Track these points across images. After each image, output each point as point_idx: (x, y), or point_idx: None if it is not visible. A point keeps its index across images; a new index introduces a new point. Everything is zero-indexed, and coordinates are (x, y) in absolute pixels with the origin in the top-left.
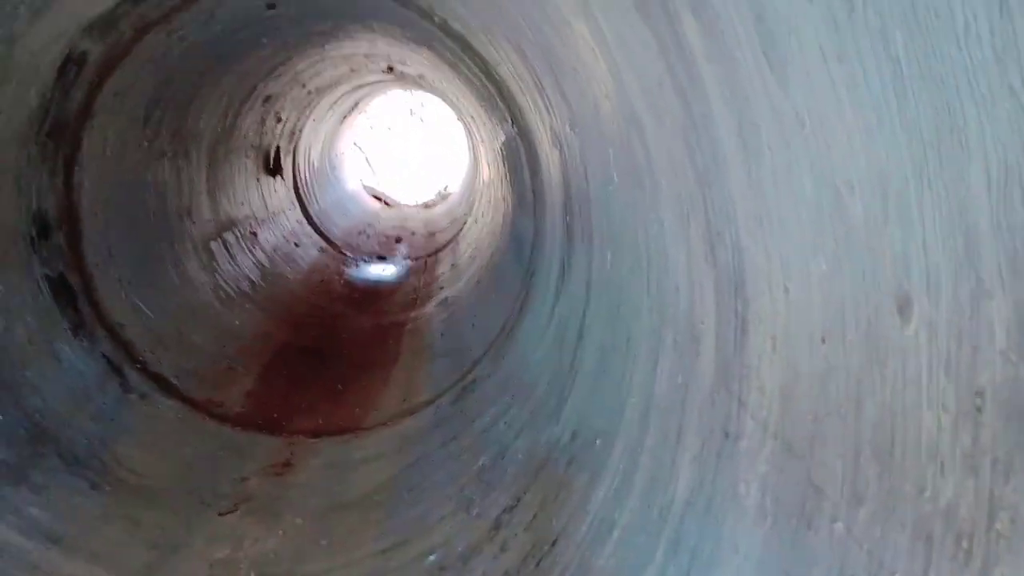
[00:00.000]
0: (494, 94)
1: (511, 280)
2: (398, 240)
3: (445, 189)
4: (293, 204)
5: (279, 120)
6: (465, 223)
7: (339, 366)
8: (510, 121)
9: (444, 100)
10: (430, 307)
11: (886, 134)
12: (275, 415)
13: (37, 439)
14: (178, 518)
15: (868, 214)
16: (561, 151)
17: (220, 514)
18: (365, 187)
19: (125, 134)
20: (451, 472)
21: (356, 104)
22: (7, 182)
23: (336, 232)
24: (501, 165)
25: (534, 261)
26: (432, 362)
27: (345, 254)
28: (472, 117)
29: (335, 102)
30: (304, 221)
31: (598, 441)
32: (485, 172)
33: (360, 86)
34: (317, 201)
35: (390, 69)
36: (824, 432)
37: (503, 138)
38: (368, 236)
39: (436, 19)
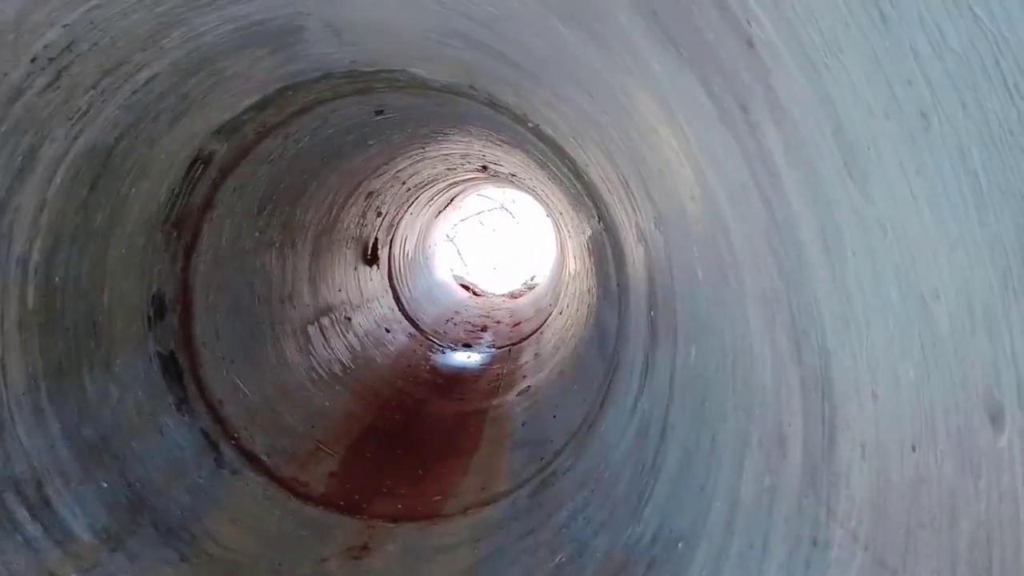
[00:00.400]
0: (582, 192)
1: (594, 372)
2: (483, 329)
3: (531, 280)
4: (387, 291)
5: (379, 214)
6: (550, 314)
7: (421, 451)
8: (597, 217)
9: (534, 196)
10: (512, 396)
11: (969, 245)
12: (356, 497)
13: (136, 508)
14: None
15: (955, 323)
16: (646, 247)
17: None
18: (454, 276)
19: (239, 225)
20: (527, 567)
21: (451, 200)
22: (133, 266)
23: (425, 319)
24: (587, 258)
25: (617, 354)
26: (512, 451)
27: (432, 341)
28: (560, 212)
29: (432, 198)
30: (396, 308)
31: (680, 544)
32: (571, 264)
33: (455, 183)
34: (409, 289)
35: (484, 168)
36: (917, 545)
37: (589, 232)
38: (455, 324)
39: (529, 124)
